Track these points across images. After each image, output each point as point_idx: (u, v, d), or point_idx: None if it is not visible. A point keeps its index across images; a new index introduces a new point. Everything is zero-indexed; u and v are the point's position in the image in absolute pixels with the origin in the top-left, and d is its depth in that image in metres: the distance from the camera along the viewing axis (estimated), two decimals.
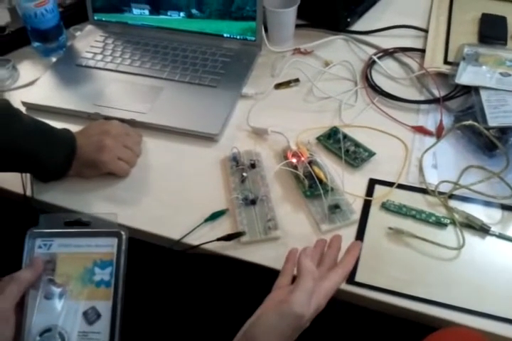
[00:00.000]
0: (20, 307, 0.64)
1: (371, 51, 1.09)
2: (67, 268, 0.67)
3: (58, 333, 0.64)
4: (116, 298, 0.65)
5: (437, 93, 0.97)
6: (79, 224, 0.71)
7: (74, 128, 0.89)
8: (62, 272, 0.67)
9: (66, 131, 0.86)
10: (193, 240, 0.79)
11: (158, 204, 0.85)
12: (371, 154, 0.89)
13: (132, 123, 0.94)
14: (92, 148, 0.85)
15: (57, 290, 0.66)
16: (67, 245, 0.69)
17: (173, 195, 0.86)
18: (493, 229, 0.79)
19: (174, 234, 0.80)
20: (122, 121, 0.93)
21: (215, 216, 0.81)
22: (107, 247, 0.68)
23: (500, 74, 0.96)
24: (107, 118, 0.94)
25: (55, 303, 0.65)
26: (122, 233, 0.69)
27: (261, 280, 0.76)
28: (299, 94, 1.02)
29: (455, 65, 1.00)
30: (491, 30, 1.08)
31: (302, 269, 0.64)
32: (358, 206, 0.83)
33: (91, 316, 0.65)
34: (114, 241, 0.68)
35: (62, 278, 0.67)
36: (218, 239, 0.78)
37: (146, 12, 1.11)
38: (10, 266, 0.68)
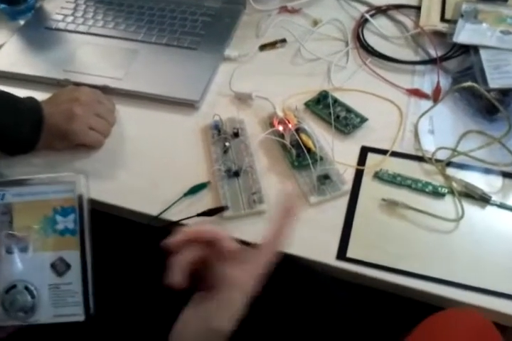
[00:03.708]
0: None
1: (363, 9, 1.04)
2: (25, 218, 0.63)
3: (25, 288, 0.61)
4: (85, 246, 0.62)
5: (434, 53, 0.94)
6: None
7: (43, 96, 0.84)
8: (21, 224, 0.63)
9: (30, 99, 0.81)
10: (172, 216, 0.76)
11: (134, 178, 0.81)
12: (363, 120, 0.85)
13: (105, 89, 0.89)
14: (61, 117, 0.80)
15: (18, 243, 0.62)
16: (21, 194, 0.64)
17: (150, 167, 0.82)
18: (494, 198, 0.76)
19: (152, 210, 0.77)
20: (95, 87, 0.88)
21: (195, 189, 0.78)
22: (65, 193, 0.64)
23: (501, 32, 0.93)
24: (78, 84, 0.88)
25: (17, 257, 0.62)
26: (81, 177, 0.64)
27: None
28: (286, 55, 0.97)
29: (453, 22, 0.96)
30: None
31: (226, 280, 0.55)
32: (349, 176, 0.79)
33: (60, 267, 0.62)
34: (73, 185, 0.64)
35: (22, 230, 0.63)
36: (199, 215, 0.75)
37: None
38: None
